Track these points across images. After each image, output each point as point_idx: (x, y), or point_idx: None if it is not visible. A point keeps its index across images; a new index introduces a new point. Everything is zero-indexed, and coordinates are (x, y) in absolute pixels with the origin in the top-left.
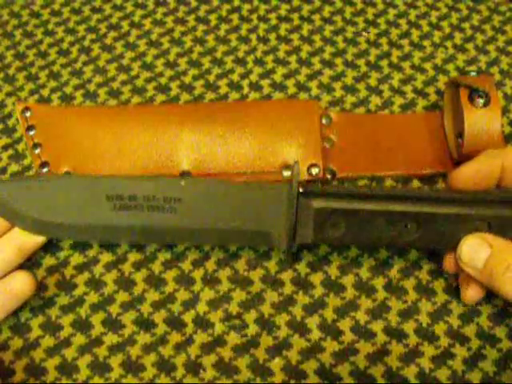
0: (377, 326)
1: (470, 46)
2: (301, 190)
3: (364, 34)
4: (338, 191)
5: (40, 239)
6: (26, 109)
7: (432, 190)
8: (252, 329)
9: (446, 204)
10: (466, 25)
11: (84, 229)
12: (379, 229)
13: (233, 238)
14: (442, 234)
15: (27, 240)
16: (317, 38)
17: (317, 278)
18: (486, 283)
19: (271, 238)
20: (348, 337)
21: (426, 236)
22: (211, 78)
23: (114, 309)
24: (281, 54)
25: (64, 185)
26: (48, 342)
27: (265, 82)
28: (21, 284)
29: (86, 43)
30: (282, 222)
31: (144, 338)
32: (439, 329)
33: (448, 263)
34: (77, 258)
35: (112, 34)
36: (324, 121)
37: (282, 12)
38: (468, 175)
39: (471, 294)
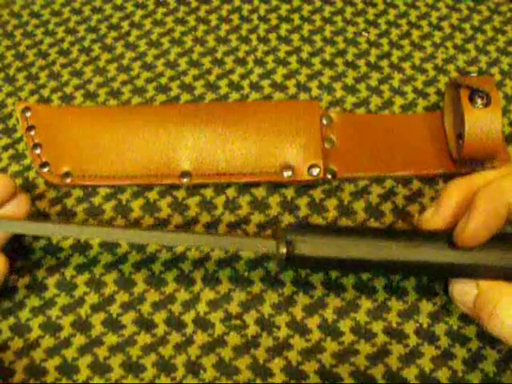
0: (377, 327)
1: (470, 46)
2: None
3: (364, 34)
4: (320, 253)
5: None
6: (27, 109)
7: (423, 233)
8: (252, 329)
9: (434, 252)
10: (467, 25)
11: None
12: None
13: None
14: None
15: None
16: (317, 38)
17: (317, 279)
18: (478, 322)
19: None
20: (348, 337)
21: (414, 274)
22: (211, 78)
23: (114, 309)
24: (281, 55)
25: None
26: (48, 342)
27: (265, 83)
28: None
29: (87, 43)
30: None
31: (144, 339)
32: (439, 329)
33: None
34: (77, 259)
35: (112, 34)
36: (324, 121)
37: (283, 12)
38: (477, 231)
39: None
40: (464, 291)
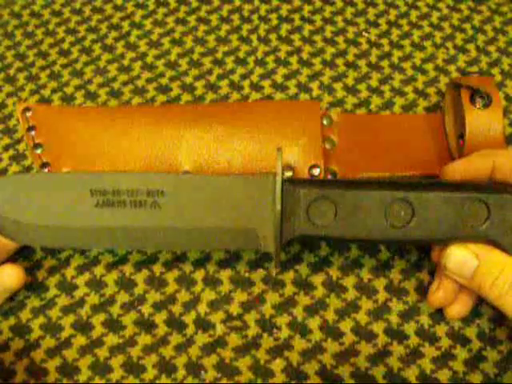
0: (378, 327)
1: (471, 46)
2: (286, 177)
3: (364, 34)
4: (325, 180)
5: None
6: (27, 109)
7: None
8: (253, 330)
9: (442, 188)
10: (467, 25)
11: (64, 231)
12: (370, 216)
13: (217, 239)
14: (439, 222)
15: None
16: (318, 38)
17: (318, 279)
18: (476, 292)
19: (257, 237)
20: (349, 338)
21: (422, 225)
22: (212, 78)
23: (115, 310)
24: (282, 55)
25: (47, 181)
26: (49, 342)
27: (266, 83)
28: (8, 278)
29: (87, 43)
30: (268, 216)
31: (145, 339)
32: (440, 330)
33: (437, 255)
34: (78, 259)
35: (113, 34)
36: (325, 122)
37: (283, 12)
38: (459, 170)
39: (457, 308)
40: (463, 262)
